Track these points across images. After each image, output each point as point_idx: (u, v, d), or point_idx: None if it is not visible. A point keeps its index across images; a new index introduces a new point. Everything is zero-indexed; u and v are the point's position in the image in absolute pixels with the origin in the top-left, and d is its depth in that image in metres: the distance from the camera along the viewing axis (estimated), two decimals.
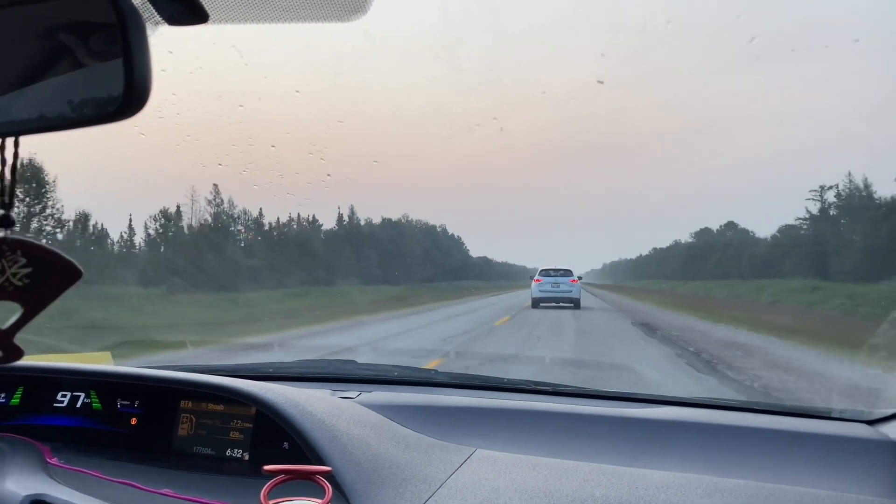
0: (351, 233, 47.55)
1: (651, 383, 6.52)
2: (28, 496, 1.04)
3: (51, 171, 26.43)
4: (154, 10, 0.68)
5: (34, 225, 25.55)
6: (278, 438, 1.28)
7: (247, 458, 1.33)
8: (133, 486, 1.16)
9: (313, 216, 44.58)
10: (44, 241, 0.62)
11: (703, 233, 69.27)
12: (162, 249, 32.83)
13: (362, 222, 50.20)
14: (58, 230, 27.31)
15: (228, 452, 1.34)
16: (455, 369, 6.56)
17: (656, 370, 7.41)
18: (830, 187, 43.36)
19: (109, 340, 9.81)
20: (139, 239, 34.25)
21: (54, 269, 0.60)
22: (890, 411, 1.44)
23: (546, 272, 21.06)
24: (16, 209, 0.62)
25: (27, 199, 25.10)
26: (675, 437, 1.45)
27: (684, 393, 5.61)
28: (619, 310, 20.42)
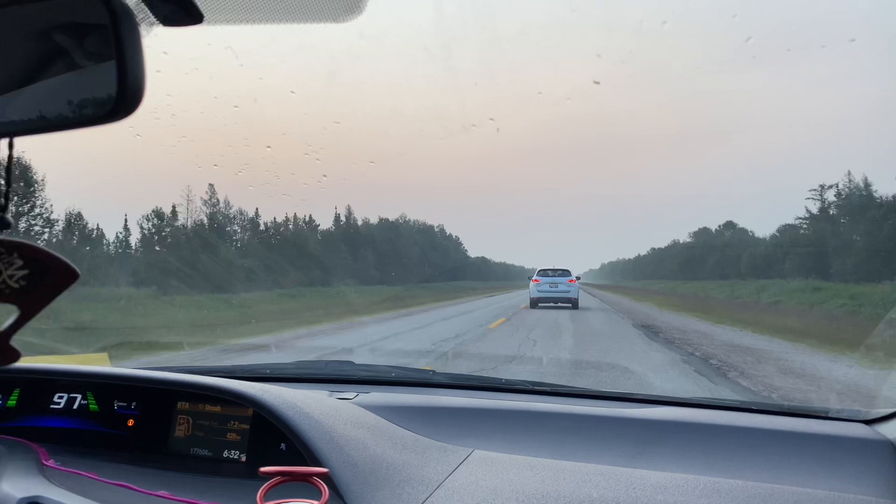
0: (347, 233, 47.55)
1: (657, 391, 6.11)
2: (24, 498, 1.03)
3: (39, 170, 26.39)
4: (149, 11, 0.68)
5: (22, 225, 25.42)
6: (275, 440, 1.27)
7: (244, 459, 1.32)
8: (129, 487, 1.15)
9: (310, 216, 44.62)
10: (39, 242, 0.62)
11: (702, 233, 69.50)
12: (157, 249, 32.73)
13: (359, 222, 50.28)
14: (46, 230, 27.24)
15: (225, 454, 1.34)
16: (453, 370, 6.55)
17: (664, 378, 6.99)
18: (830, 186, 43.41)
19: (98, 343, 9.71)
20: (134, 239, 34.21)
21: (50, 271, 0.60)
22: (887, 411, 1.44)
23: (544, 272, 21.14)
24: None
25: (15, 198, 24.99)
26: (672, 438, 1.45)
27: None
28: (618, 311, 20.29)
